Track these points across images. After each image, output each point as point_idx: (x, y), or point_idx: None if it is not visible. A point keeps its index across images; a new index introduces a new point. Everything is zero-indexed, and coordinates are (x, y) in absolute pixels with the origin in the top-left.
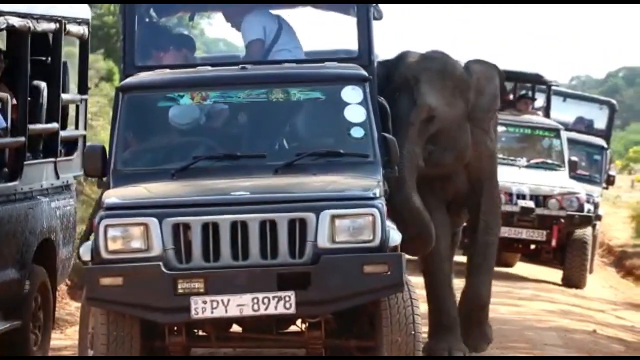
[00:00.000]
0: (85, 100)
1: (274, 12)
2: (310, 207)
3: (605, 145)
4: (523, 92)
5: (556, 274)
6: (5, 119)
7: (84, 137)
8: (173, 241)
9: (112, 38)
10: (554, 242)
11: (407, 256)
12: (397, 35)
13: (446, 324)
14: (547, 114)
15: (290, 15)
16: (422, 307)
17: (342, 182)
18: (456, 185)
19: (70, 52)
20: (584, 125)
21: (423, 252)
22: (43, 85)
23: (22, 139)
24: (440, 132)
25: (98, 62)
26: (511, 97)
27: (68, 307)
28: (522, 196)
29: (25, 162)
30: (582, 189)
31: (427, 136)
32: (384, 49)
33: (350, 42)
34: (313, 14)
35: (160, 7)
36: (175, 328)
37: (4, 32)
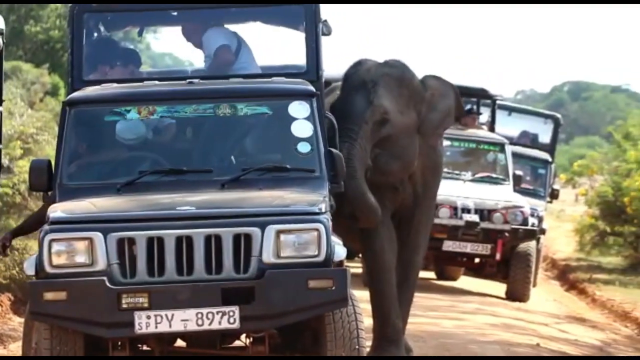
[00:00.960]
0: (0, 112)
1: (231, 28)
2: (255, 222)
3: (550, 159)
4: (469, 106)
5: (500, 288)
6: None
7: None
8: (118, 256)
9: (58, 52)
10: (498, 256)
11: (352, 270)
12: (340, 47)
13: (391, 336)
14: (492, 128)
15: (241, 30)
16: (367, 321)
17: (288, 197)
18: (404, 197)
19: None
20: (528, 139)
21: (371, 225)
22: None
23: None
24: (389, 138)
25: (44, 76)
26: None
27: (11, 322)
28: (466, 210)
29: None
30: (526, 203)
31: (377, 139)
32: (331, 65)
33: (298, 57)
34: (262, 29)
35: (108, 21)
36: (120, 343)
37: None
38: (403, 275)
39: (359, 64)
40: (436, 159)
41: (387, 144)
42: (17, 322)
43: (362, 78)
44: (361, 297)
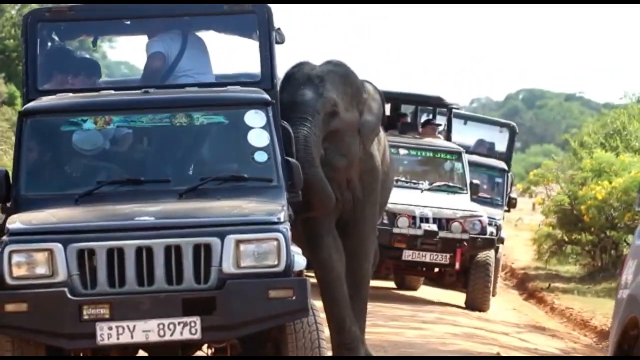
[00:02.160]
0: None
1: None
2: (214, 232)
3: (507, 168)
4: (429, 117)
5: (460, 297)
6: None
7: None
8: (78, 267)
9: (14, 62)
10: (457, 265)
11: (312, 280)
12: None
13: (349, 343)
14: (448, 137)
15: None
16: (326, 331)
17: (247, 206)
18: (344, 204)
19: None
20: (485, 148)
21: (325, 212)
22: None
23: None
24: (337, 133)
25: (0, 86)
26: (409, 119)
27: None
28: (425, 219)
29: None
30: (484, 212)
31: (326, 132)
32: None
33: (252, 66)
34: (215, 37)
35: (62, 30)
36: (81, 354)
37: None
38: (354, 284)
39: (300, 64)
40: (373, 163)
41: (335, 139)
42: None
43: (307, 74)
44: (321, 307)
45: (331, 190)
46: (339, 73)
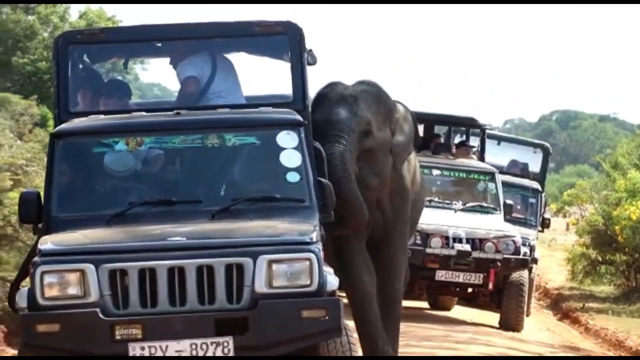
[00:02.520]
0: None
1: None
2: (247, 252)
3: (540, 189)
4: (462, 137)
5: (493, 317)
6: None
7: None
8: (110, 287)
9: (46, 84)
10: (490, 286)
11: (345, 300)
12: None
13: None
14: (481, 158)
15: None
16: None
17: (279, 227)
18: (374, 224)
19: None
20: (518, 168)
21: (358, 230)
22: None
23: None
24: (370, 153)
25: (32, 107)
26: (442, 140)
27: (5, 354)
28: (458, 240)
29: None
30: (517, 232)
31: (360, 150)
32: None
33: (284, 87)
34: (247, 59)
35: (93, 52)
36: None
37: None
38: (386, 304)
39: (332, 84)
40: (403, 184)
41: (368, 158)
42: (10, 354)
43: (340, 94)
44: (354, 327)
45: (365, 207)
46: (372, 93)
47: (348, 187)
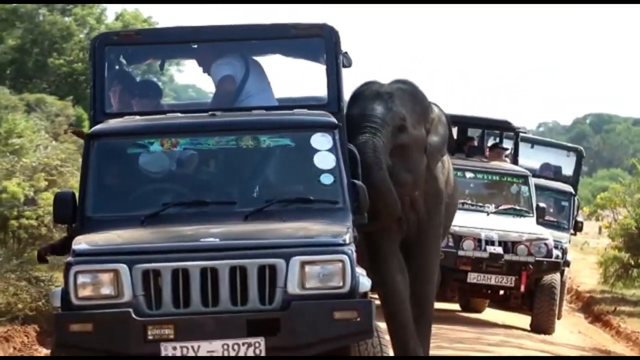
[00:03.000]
0: None
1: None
2: (280, 253)
3: (573, 192)
4: (495, 140)
5: (525, 320)
6: None
7: None
8: (143, 287)
9: (82, 85)
10: (522, 288)
11: (377, 302)
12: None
13: None
14: (515, 161)
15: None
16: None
17: (312, 228)
18: (408, 226)
19: None
20: (550, 171)
21: (390, 222)
22: None
23: None
24: (404, 149)
25: (68, 108)
26: (476, 143)
27: (37, 353)
28: (490, 242)
29: None
30: (550, 235)
31: (394, 145)
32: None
33: (319, 89)
34: (282, 61)
35: (129, 54)
36: None
37: None
38: (418, 306)
39: (368, 83)
40: (437, 186)
41: (402, 154)
42: (43, 354)
43: (376, 91)
44: (386, 329)
45: (397, 198)
46: (408, 91)
47: (380, 176)
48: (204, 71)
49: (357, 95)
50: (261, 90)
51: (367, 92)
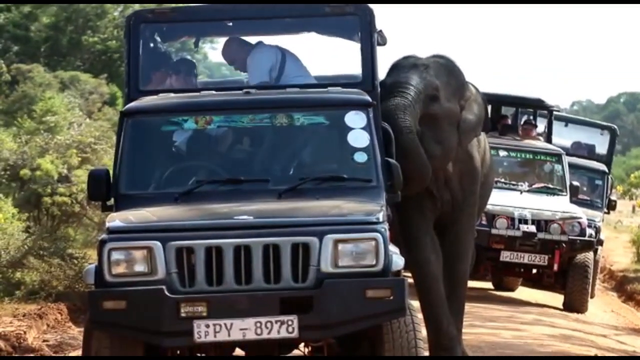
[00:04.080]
0: None
1: (275, 42)
2: (313, 231)
3: (607, 170)
4: (526, 117)
5: (558, 299)
6: None
7: None
8: (176, 265)
9: (115, 62)
10: (555, 267)
11: (410, 280)
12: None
13: (446, 344)
14: (548, 139)
15: (294, 40)
16: (423, 332)
17: (345, 206)
18: (442, 205)
19: None
20: (584, 150)
21: (421, 188)
22: None
23: None
24: (435, 119)
25: (101, 86)
26: (509, 121)
27: (71, 330)
28: (524, 221)
29: None
30: (583, 214)
31: (425, 113)
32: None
33: (354, 67)
34: (317, 39)
35: (164, 31)
36: (179, 352)
37: None
38: (451, 285)
39: (407, 56)
40: (473, 165)
41: (432, 125)
42: (76, 331)
43: (413, 62)
44: (419, 307)
45: (428, 162)
46: (445, 65)
47: (409, 138)
48: (236, 68)
49: (394, 66)
50: (300, 74)
51: (404, 63)
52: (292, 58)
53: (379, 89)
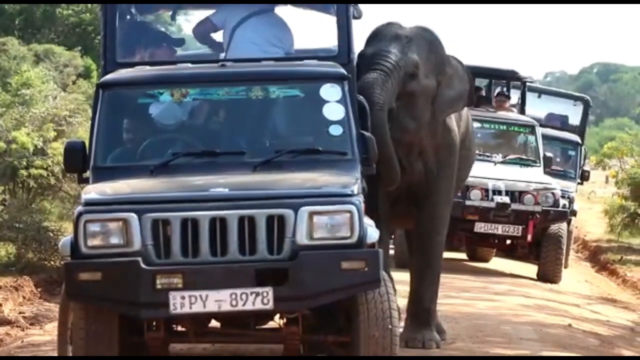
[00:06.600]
0: None
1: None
2: (288, 203)
3: (580, 141)
4: (499, 89)
5: (532, 269)
6: None
7: None
8: (152, 237)
9: (90, 35)
10: (529, 237)
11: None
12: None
13: (421, 316)
14: (522, 111)
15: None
16: (401, 302)
17: (321, 179)
18: (412, 176)
19: None
20: (558, 121)
21: (391, 186)
22: None
23: None
24: (411, 96)
25: (76, 59)
26: (483, 93)
27: (47, 303)
28: (497, 192)
29: None
30: (557, 185)
31: (402, 91)
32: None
33: (329, 40)
34: (292, 12)
35: (141, 5)
36: (154, 323)
37: None
38: (426, 257)
39: (390, 23)
40: (451, 138)
41: (408, 101)
42: (53, 303)
43: (395, 32)
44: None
45: (389, 137)
46: (427, 38)
47: (377, 115)
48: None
49: (375, 33)
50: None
51: (386, 32)
52: (274, 25)
53: (354, 62)
